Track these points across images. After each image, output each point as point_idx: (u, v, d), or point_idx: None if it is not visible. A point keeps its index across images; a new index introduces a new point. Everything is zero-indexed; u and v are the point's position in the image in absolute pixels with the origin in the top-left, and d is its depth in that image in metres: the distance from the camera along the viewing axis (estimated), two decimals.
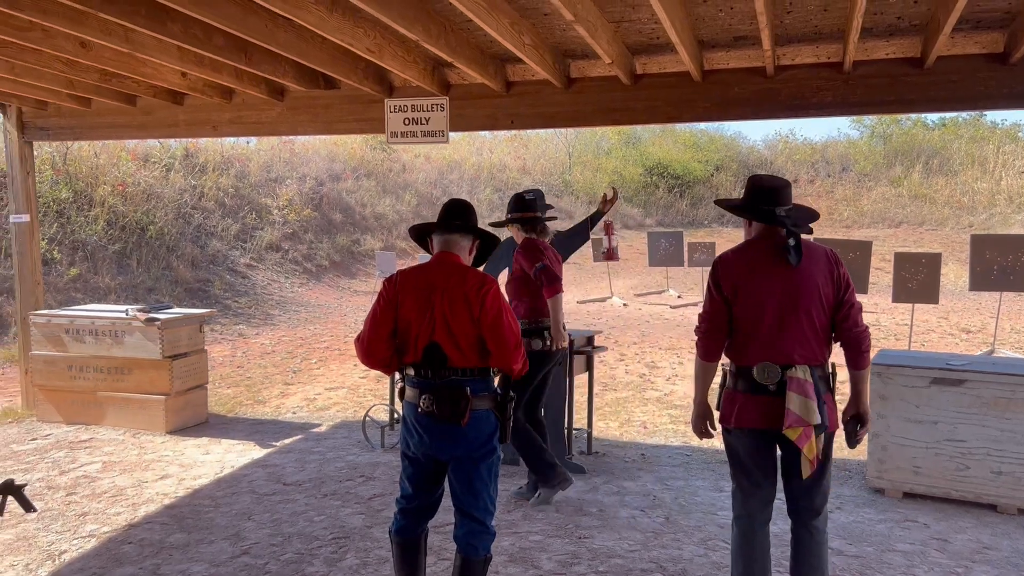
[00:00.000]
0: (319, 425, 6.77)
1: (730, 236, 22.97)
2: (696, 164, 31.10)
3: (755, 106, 5.28)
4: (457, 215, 3.34)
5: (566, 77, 5.52)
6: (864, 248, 10.40)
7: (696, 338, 3.34)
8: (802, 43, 4.91)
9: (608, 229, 5.40)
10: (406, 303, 3.21)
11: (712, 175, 30.72)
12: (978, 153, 26.51)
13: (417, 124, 5.90)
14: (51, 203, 11.64)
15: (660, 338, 11.00)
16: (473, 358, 3.15)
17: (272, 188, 16.87)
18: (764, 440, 3.21)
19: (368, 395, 7.87)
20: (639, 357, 9.73)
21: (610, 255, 5.45)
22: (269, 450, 6.01)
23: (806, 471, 3.10)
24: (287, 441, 6.26)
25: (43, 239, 10.62)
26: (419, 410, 3.17)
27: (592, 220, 5.36)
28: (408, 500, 3.36)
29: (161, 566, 4.06)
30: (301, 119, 6.20)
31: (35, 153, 7.10)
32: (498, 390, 3.22)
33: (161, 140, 14.56)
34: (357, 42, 4.56)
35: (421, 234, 3.46)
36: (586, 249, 10.06)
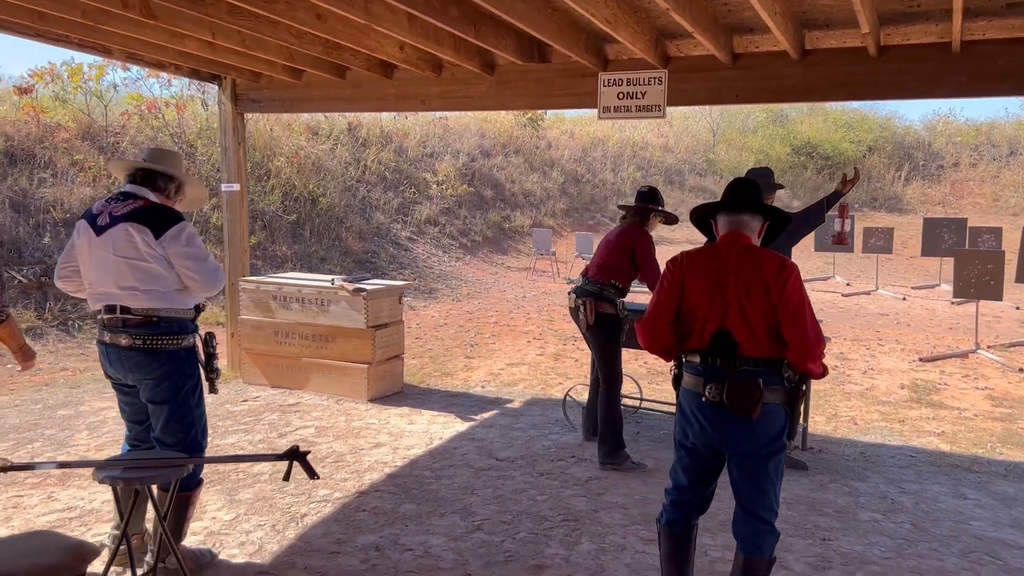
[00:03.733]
0: (511, 401, 6.75)
1: (890, 221, 21.63)
2: (847, 144, 29.54)
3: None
4: (746, 194, 3.14)
5: (800, 48, 5.19)
6: None
7: None
8: None
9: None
10: (694, 286, 3.05)
11: (864, 156, 29.03)
12: None
13: (632, 99, 5.70)
14: None
15: (840, 328, 10.43)
16: (767, 348, 2.95)
17: (428, 163, 17.12)
18: None
19: (550, 372, 7.81)
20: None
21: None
22: (471, 424, 6.03)
23: None
24: (485, 415, 6.26)
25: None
26: (703, 399, 3.00)
27: (828, 201, 5.02)
28: (681, 492, 3.21)
29: (400, 536, 4.10)
30: (510, 93, 6.12)
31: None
32: (790, 384, 3.01)
33: (331, 114, 15.05)
34: (599, 12, 4.40)
35: (702, 215, 3.28)
36: None
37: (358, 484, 4.80)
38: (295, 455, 3.15)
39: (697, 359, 3.03)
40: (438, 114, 19.10)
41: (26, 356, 3.79)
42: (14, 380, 7.09)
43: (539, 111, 21.49)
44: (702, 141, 29.97)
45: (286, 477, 3.16)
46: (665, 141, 28.81)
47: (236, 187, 7.17)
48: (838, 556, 3.95)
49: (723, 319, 2.96)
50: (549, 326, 10.28)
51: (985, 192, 26.13)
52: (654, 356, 3.80)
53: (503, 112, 21.06)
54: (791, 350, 2.92)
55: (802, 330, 2.89)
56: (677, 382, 3.19)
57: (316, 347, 6.69)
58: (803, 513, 4.47)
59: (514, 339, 9.45)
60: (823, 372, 3.01)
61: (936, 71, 4.96)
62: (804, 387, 3.03)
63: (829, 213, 5.25)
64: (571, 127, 25.47)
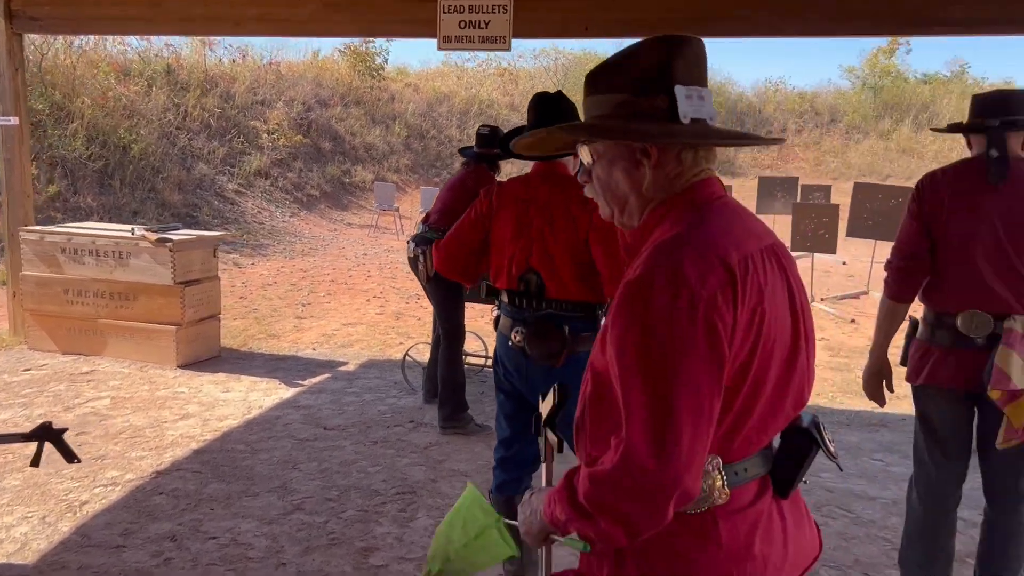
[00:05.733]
0: (345, 363, 6.16)
1: (723, 182, 22.33)
2: None
3: None
4: (551, 112, 2.62)
5: None
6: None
7: (886, 274, 2.75)
8: None
9: None
10: (501, 220, 2.68)
11: None
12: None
13: (475, 28, 5.19)
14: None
15: None
16: (575, 289, 2.57)
17: (259, 111, 15.87)
18: (962, 404, 2.66)
19: (390, 332, 7.27)
20: None
21: None
22: (297, 389, 5.41)
23: (1004, 439, 2.56)
24: (315, 380, 5.65)
25: None
26: (509, 344, 2.62)
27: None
28: (507, 446, 2.80)
29: (203, 522, 3.48)
30: (338, 19, 5.43)
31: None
32: None
33: (141, 40, 13.59)
34: None
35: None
36: None
37: (156, 463, 4.10)
38: (46, 434, 2.47)
39: (507, 299, 2.68)
40: (268, 58, 17.79)
41: None
42: None
43: (378, 60, 20.54)
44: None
45: (34, 462, 2.48)
46: (511, 100, 28.43)
47: (13, 120, 6.08)
48: None
49: (528, 256, 2.60)
50: (391, 284, 9.69)
51: (808, 157, 27.61)
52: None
53: (340, 60, 19.96)
54: (609, 283, 2.49)
55: (618, 255, 2.49)
56: (496, 323, 2.78)
57: (115, 307, 5.80)
58: None
59: (352, 297, 8.81)
60: None
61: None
62: None
63: None
64: (415, 80, 24.62)
